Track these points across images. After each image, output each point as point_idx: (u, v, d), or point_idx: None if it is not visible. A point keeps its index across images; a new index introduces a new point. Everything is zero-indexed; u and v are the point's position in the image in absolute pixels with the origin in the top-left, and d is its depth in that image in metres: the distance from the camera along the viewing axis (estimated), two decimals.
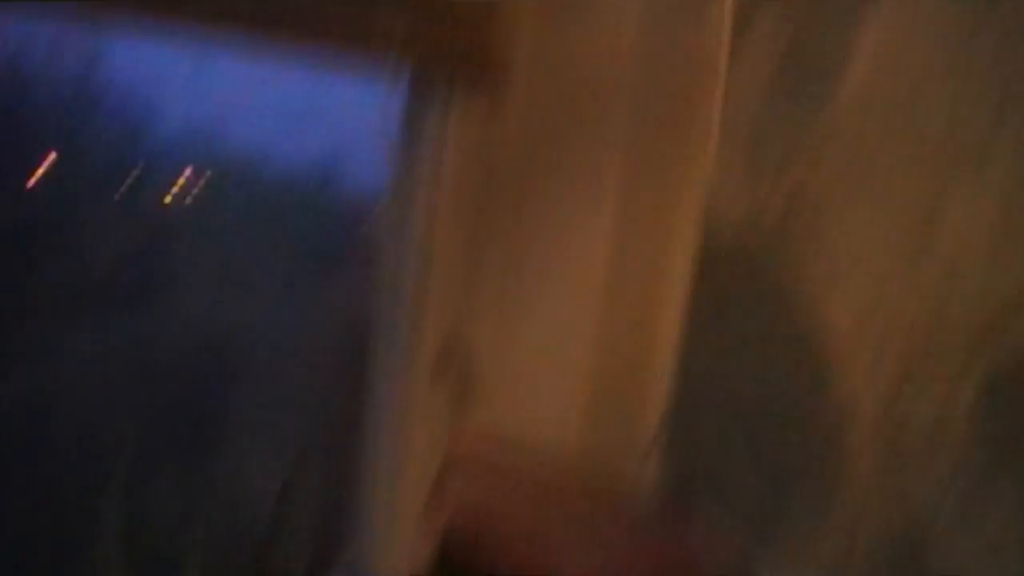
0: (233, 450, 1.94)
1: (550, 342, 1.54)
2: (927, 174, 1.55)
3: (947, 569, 1.57)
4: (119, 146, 2.14)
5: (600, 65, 1.51)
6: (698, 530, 1.30)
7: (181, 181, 2.09)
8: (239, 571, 1.86)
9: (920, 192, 1.56)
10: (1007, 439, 1.58)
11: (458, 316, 1.52)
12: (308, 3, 1.43)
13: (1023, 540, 1.57)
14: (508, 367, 1.52)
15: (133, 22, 1.43)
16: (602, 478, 1.46)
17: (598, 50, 1.51)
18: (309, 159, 2.08)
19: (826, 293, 1.57)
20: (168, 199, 2.09)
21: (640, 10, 1.51)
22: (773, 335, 1.57)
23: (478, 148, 1.51)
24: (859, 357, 1.57)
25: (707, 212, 1.53)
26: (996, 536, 1.58)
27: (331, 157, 2.06)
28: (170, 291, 2.03)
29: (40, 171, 2.11)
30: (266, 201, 2.09)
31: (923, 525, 1.58)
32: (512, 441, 1.38)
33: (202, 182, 2.08)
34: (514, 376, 1.53)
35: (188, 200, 2.08)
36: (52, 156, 2.09)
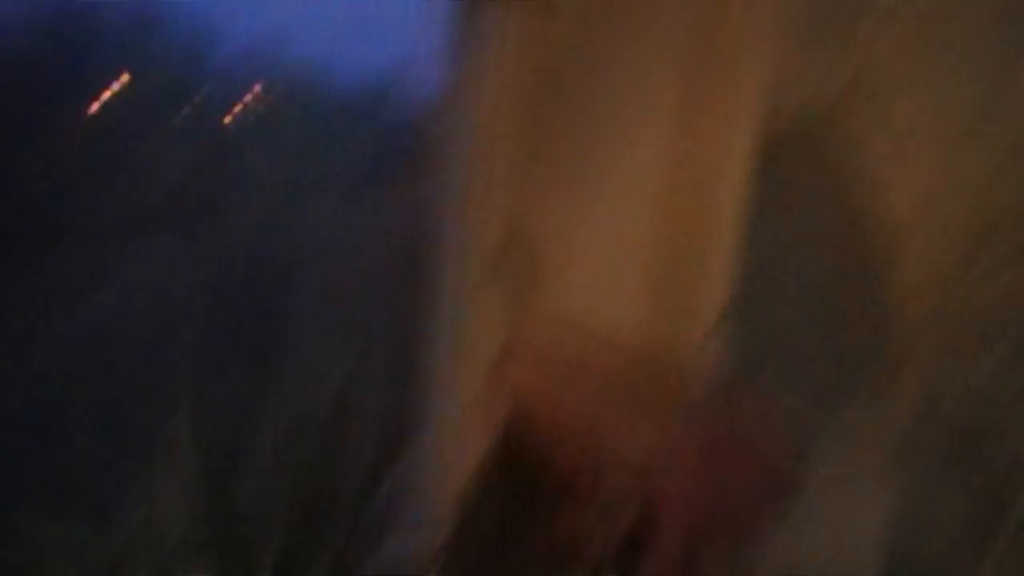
0: (299, 347, 1.97)
1: (612, 228, 1.54)
2: (988, 52, 1.54)
3: (1002, 456, 1.57)
4: (183, 66, 2.17)
5: None
6: (759, 411, 1.31)
7: (247, 98, 2.11)
8: (306, 454, 1.89)
9: (981, 70, 1.55)
10: None
11: (520, 204, 1.53)
12: None
13: None
14: (569, 253, 1.53)
15: None
16: (664, 363, 1.47)
17: None
18: (370, 70, 2.10)
19: (888, 175, 1.56)
20: (233, 116, 2.11)
21: None
22: (835, 217, 1.57)
23: (536, 46, 1.52)
24: (921, 240, 1.57)
25: (768, 95, 1.53)
26: None
27: (391, 68, 2.08)
28: (239, 202, 2.06)
29: (107, 93, 2.14)
30: (329, 113, 2.11)
31: (979, 412, 1.58)
32: (573, 327, 1.39)
33: (267, 98, 2.11)
34: (575, 262, 1.54)
35: (252, 117, 2.10)
36: (121, 78, 2.12)
